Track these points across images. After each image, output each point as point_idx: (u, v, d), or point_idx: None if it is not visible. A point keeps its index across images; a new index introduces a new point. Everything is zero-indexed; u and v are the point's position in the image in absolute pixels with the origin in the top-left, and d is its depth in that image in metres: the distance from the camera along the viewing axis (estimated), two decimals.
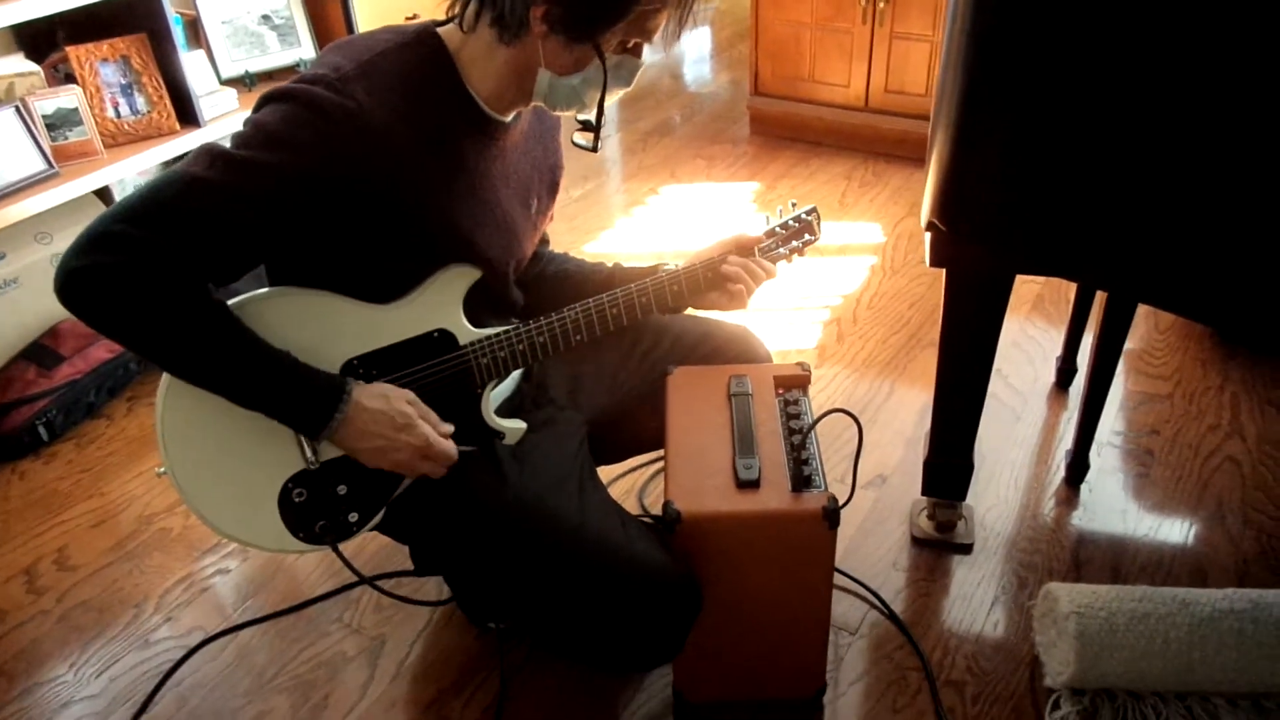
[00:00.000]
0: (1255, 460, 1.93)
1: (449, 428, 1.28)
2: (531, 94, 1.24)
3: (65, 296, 1.09)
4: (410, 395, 1.25)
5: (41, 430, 2.10)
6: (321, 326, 1.23)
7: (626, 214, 3.00)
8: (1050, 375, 2.18)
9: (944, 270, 1.45)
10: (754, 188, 3.11)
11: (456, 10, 1.21)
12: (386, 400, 1.22)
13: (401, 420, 1.22)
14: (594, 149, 1.32)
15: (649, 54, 1.30)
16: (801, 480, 1.31)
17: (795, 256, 1.54)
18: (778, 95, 3.35)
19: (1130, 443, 1.99)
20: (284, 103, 1.13)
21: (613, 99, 1.26)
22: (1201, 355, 2.23)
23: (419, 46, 1.21)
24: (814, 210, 1.54)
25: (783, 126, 3.41)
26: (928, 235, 1.35)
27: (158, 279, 1.09)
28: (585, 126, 1.32)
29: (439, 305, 1.28)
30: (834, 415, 1.68)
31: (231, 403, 1.18)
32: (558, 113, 1.29)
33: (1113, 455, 1.97)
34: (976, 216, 1.31)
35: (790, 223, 1.52)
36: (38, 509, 1.96)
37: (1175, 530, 1.79)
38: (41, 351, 2.19)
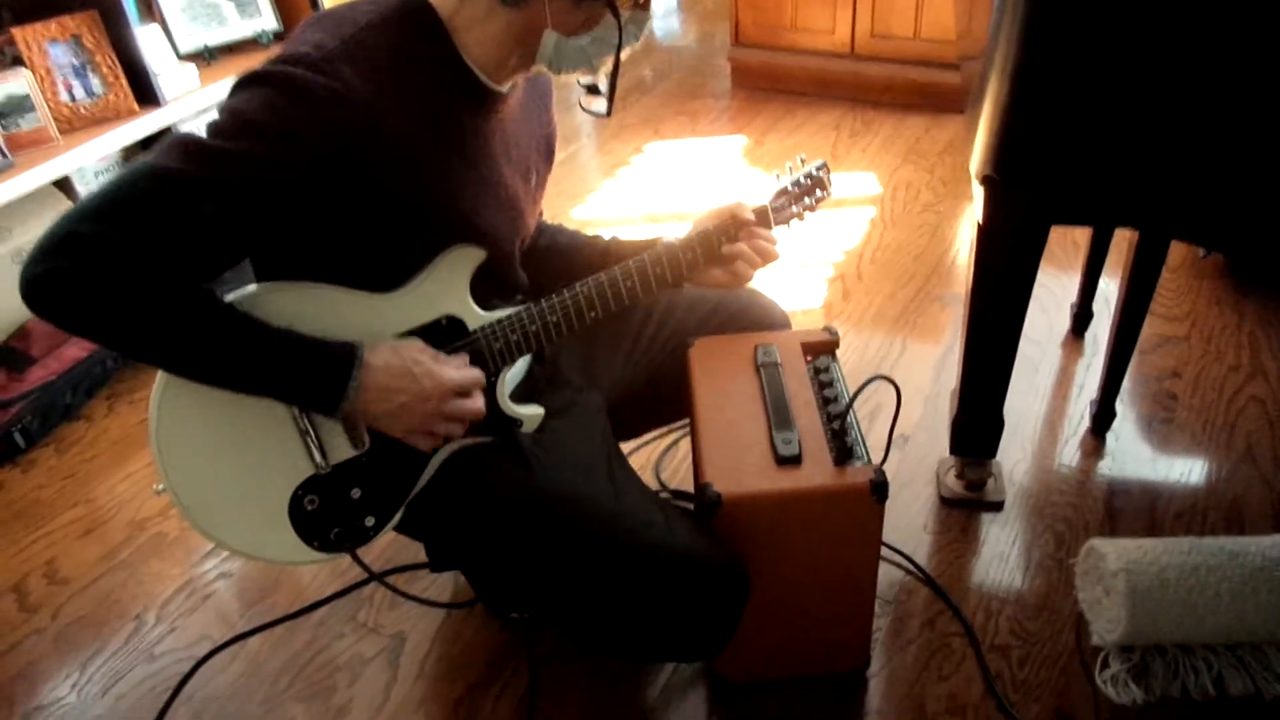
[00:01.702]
0: None
1: (462, 358, 1.19)
2: (534, 59, 1.15)
3: (33, 304, 0.99)
4: (419, 343, 1.16)
5: (18, 437, 1.99)
6: (322, 320, 1.13)
7: (612, 175, 2.90)
8: (1065, 323, 2.13)
9: (977, 224, 1.38)
10: (741, 142, 3.01)
11: None
12: (396, 352, 1.12)
13: (418, 369, 1.12)
14: (608, 114, 1.22)
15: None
16: (844, 453, 1.25)
17: (807, 214, 1.47)
18: (760, 45, 3.24)
19: (1152, 387, 1.95)
20: (262, 86, 1.02)
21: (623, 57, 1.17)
22: (1215, 293, 2.18)
23: (407, 16, 1.10)
24: (824, 165, 1.47)
25: (766, 77, 3.31)
26: (980, 189, 1.28)
27: (133, 279, 0.99)
28: (592, 90, 1.23)
29: (444, 290, 1.19)
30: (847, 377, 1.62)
31: (238, 393, 1.08)
32: (562, 76, 1.20)
33: (1135, 401, 1.92)
34: (1038, 166, 1.24)
35: (802, 180, 1.44)
36: (21, 521, 1.86)
37: (1207, 475, 1.75)
38: (10, 354, 2.07)
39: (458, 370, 1.16)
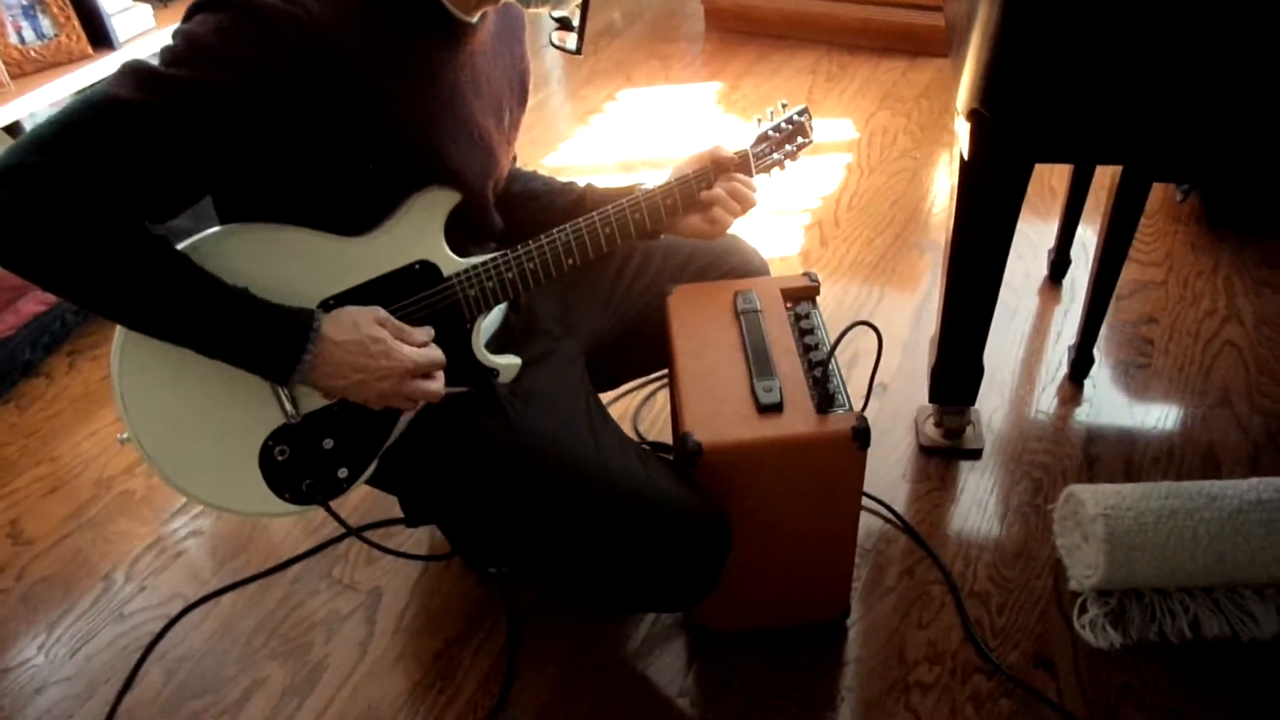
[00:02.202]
0: (1255, 343, 1.90)
1: (427, 333, 1.15)
2: None
3: None
4: (380, 313, 1.11)
5: None
6: (289, 265, 1.10)
7: (584, 123, 2.83)
8: (1042, 269, 2.12)
9: (959, 164, 1.36)
10: (716, 88, 2.95)
11: None
12: (356, 327, 1.08)
13: (376, 347, 1.09)
14: (578, 51, 1.18)
15: None
16: (826, 400, 1.23)
17: (788, 162, 1.44)
18: None
19: (1128, 332, 1.95)
20: (217, 10, 0.97)
21: None
22: (1190, 238, 2.18)
23: None
24: (805, 110, 1.43)
25: (740, 20, 3.23)
26: (966, 125, 1.25)
27: (79, 216, 0.94)
28: (564, 25, 1.18)
29: (418, 234, 1.15)
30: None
31: (186, 349, 1.04)
32: (531, 10, 1.15)
33: (1111, 347, 1.92)
34: (1025, 100, 1.21)
35: (783, 125, 1.41)
36: None
37: (1183, 420, 1.75)
38: None
39: (419, 349, 1.13)
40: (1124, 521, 1.39)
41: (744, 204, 1.32)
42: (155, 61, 0.97)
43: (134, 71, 0.95)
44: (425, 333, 1.16)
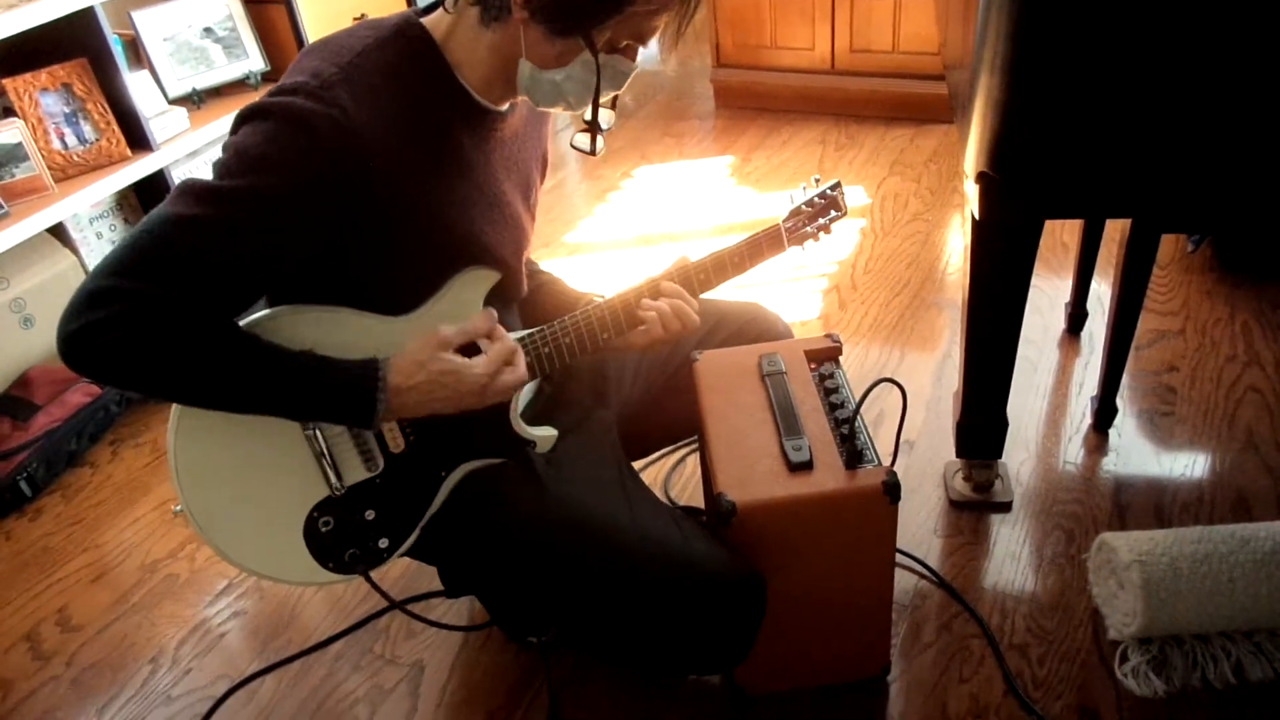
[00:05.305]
0: (1278, 387, 1.91)
1: (489, 316, 1.18)
2: (516, 86, 1.16)
3: (71, 360, 1.02)
4: (441, 337, 1.13)
5: (24, 486, 1.98)
6: (338, 343, 1.15)
7: (603, 200, 2.92)
8: (1060, 322, 2.15)
9: (971, 224, 1.40)
10: (729, 161, 3.04)
11: None
12: (422, 367, 1.13)
13: (447, 379, 1.13)
14: (592, 152, 1.23)
15: None
16: (855, 456, 1.26)
17: (822, 234, 1.48)
18: (741, 65, 3.28)
19: (1150, 382, 1.97)
20: (263, 120, 1.03)
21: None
22: (1206, 287, 2.21)
23: (403, 40, 1.12)
24: (838, 185, 1.48)
25: (749, 97, 3.34)
26: (976, 188, 1.30)
27: (166, 325, 1.01)
28: (590, 125, 1.24)
29: (459, 312, 1.21)
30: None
31: (276, 417, 1.12)
32: (541, 109, 1.21)
33: (1134, 396, 1.94)
34: (1033, 160, 1.26)
35: (816, 199, 1.46)
36: (31, 569, 1.85)
37: (1211, 465, 1.76)
38: (14, 403, 2.07)
39: (486, 360, 1.15)
40: (1159, 567, 1.40)
41: (683, 320, 1.28)
42: (209, 177, 1.03)
43: (191, 190, 1.02)
44: (487, 316, 1.18)
